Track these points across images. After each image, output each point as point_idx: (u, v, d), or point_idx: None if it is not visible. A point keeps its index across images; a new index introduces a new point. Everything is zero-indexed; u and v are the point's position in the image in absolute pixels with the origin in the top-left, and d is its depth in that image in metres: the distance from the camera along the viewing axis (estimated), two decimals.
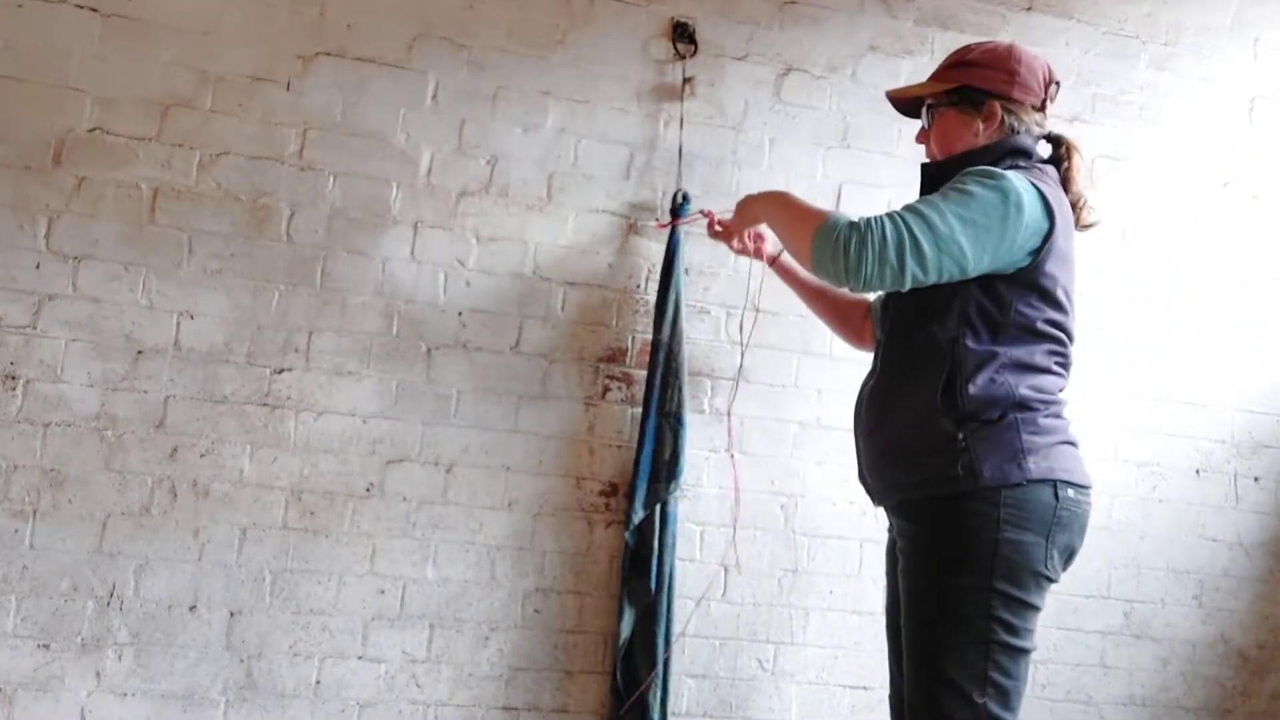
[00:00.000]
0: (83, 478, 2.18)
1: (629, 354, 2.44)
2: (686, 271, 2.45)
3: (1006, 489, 1.65)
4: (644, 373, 2.40)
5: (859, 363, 2.38)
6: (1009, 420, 1.68)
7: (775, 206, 1.89)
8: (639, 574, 2.29)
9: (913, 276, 1.63)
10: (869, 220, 1.63)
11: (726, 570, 2.44)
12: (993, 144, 1.82)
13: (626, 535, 2.30)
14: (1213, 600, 2.65)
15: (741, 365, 2.37)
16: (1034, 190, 1.69)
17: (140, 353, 2.22)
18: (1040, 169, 1.80)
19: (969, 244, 1.62)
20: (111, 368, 2.20)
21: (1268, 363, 2.76)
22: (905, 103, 1.99)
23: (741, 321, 2.37)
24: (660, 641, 2.28)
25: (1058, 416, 1.75)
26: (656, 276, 2.43)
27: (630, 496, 2.31)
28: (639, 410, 2.39)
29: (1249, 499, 2.70)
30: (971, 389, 1.68)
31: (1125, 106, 2.75)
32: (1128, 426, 2.65)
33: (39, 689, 2.12)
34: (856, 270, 1.62)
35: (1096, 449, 2.61)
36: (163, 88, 2.28)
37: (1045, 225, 1.69)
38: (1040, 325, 1.73)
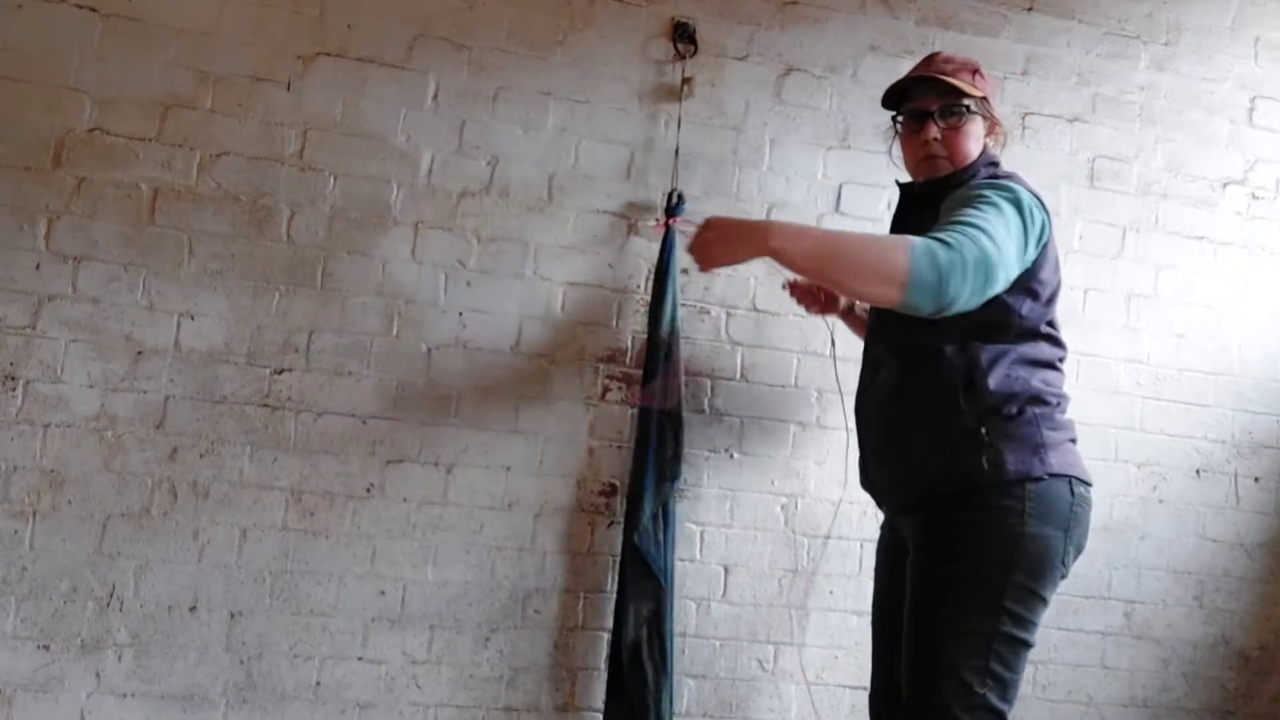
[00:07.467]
0: (82, 478, 2.17)
1: (629, 354, 2.44)
2: (685, 271, 2.45)
3: (1029, 482, 1.66)
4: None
5: (859, 362, 2.39)
6: (1028, 415, 1.70)
7: (814, 243, 1.58)
8: (649, 574, 2.28)
9: (989, 295, 1.57)
10: (947, 244, 1.52)
11: (727, 570, 2.44)
12: (980, 156, 1.85)
13: (636, 539, 2.28)
14: (1214, 601, 2.65)
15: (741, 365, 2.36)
16: (1030, 192, 1.72)
17: (140, 353, 2.22)
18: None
19: (1015, 258, 1.61)
20: (111, 368, 2.20)
21: (1268, 363, 2.75)
22: (894, 95, 1.93)
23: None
24: (669, 642, 2.28)
25: (1064, 413, 1.78)
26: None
27: (637, 499, 2.30)
28: (639, 410, 2.40)
29: (1249, 499, 2.70)
30: (990, 383, 1.69)
31: (1125, 106, 2.75)
32: (1128, 426, 2.65)
33: (39, 690, 2.12)
34: (954, 298, 1.52)
35: (1096, 449, 2.62)
36: (163, 88, 2.28)
37: (1048, 223, 1.73)
38: (1042, 326, 1.76)
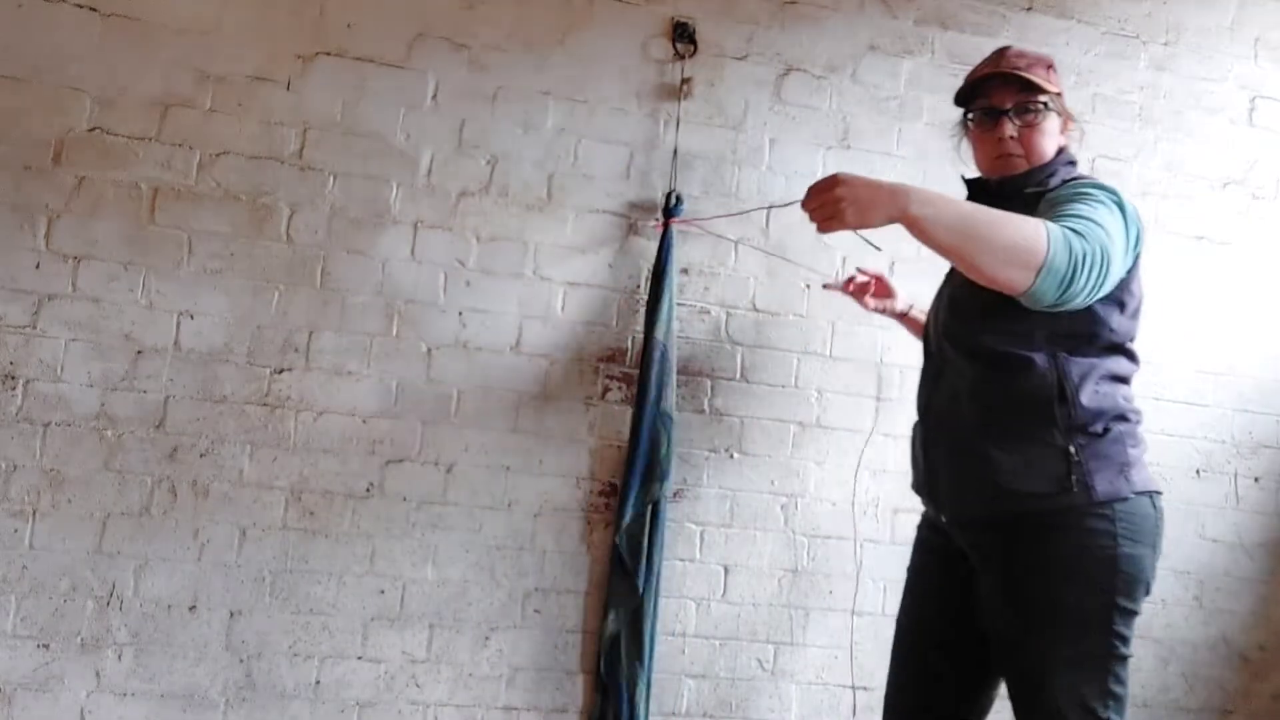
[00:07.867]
0: (82, 478, 2.17)
1: (629, 354, 2.44)
2: (685, 271, 2.45)
3: (1118, 502, 1.64)
4: None
5: (859, 363, 2.40)
6: (1114, 433, 1.67)
7: (955, 216, 1.48)
8: (625, 574, 2.29)
9: (1099, 296, 1.55)
10: (1080, 234, 1.49)
11: (727, 570, 2.44)
12: (1060, 154, 1.80)
13: (617, 538, 2.30)
14: (1213, 601, 2.65)
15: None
16: (1130, 204, 1.67)
17: (140, 353, 2.22)
18: None
19: (1121, 264, 1.58)
20: (111, 367, 2.20)
21: (1268, 363, 2.75)
22: (963, 91, 1.86)
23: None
24: (647, 640, 2.28)
25: (1141, 427, 1.75)
26: None
27: (624, 498, 2.31)
28: (633, 409, 2.39)
29: (1249, 499, 2.70)
30: (1082, 399, 1.66)
31: (1125, 106, 2.75)
32: None
33: (39, 689, 2.12)
34: (1078, 292, 1.49)
35: None
36: (163, 88, 2.28)
37: (1142, 233, 1.67)
38: (1127, 342, 1.72)
